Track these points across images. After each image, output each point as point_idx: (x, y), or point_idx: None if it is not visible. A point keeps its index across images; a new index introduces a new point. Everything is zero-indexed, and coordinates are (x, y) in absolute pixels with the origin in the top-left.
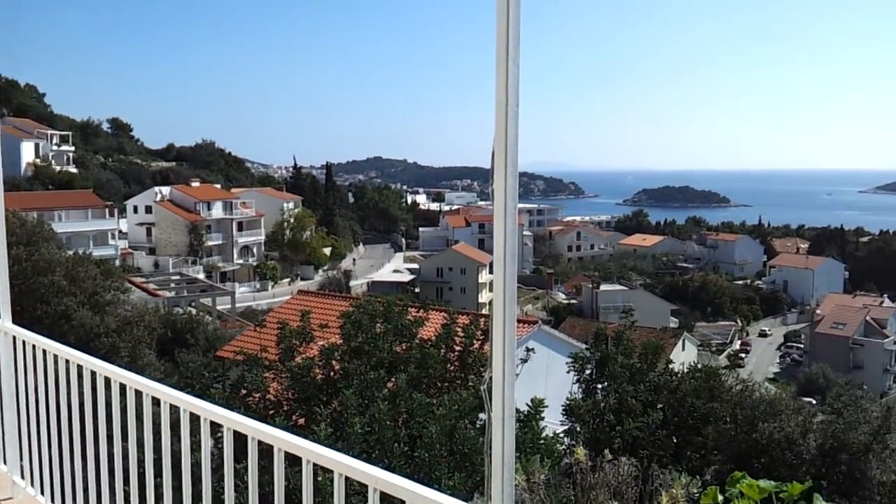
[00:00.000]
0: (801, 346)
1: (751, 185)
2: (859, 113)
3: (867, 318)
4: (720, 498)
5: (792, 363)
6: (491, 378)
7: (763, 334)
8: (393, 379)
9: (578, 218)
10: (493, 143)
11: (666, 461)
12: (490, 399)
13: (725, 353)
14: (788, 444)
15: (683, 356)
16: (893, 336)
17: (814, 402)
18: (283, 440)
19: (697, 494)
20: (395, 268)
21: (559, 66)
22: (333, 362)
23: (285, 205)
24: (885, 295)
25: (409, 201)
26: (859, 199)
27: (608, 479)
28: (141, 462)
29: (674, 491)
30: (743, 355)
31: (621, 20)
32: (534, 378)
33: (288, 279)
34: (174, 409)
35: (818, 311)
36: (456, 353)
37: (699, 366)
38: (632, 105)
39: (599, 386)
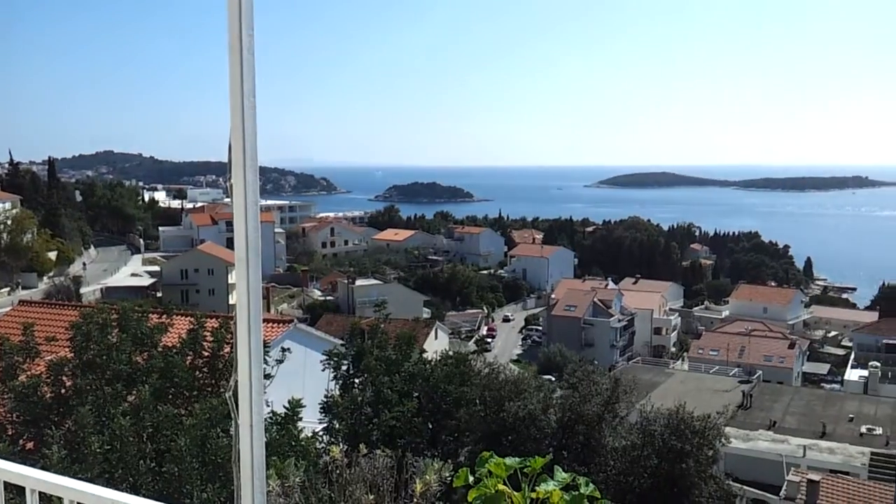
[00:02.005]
0: (540, 328)
1: (491, 181)
2: (583, 114)
3: (595, 299)
4: (471, 479)
5: (533, 344)
6: (237, 383)
7: (507, 319)
8: (134, 392)
9: (332, 214)
10: (230, 134)
11: (423, 447)
12: (237, 405)
13: (474, 338)
14: (532, 419)
15: (436, 345)
16: (617, 315)
17: (553, 379)
18: (2, 469)
19: (450, 478)
20: (132, 271)
21: (308, 62)
22: (64, 378)
23: (0, 205)
24: (609, 278)
25: (147, 199)
26: (584, 192)
27: (364, 473)
28: None
29: (427, 477)
30: (489, 340)
31: (373, 20)
32: (291, 378)
33: (7, 288)
34: None
35: (553, 296)
36: (205, 359)
37: (450, 353)
38: (381, 103)
39: (357, 380)
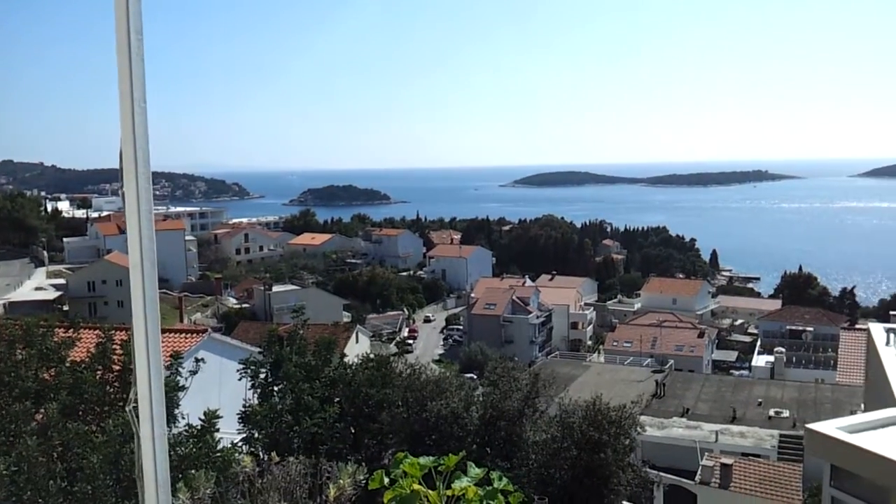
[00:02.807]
0: (461, 327)
1: (408, 183)
2: (497, 115)
3: (513, 297)
4: (386, 480)
5: (454, 344)
6: (137, 397)
7: (427, 320)
8: (42, 409)
9: (245, 220)
10: (121, 141)
11: (346, 452)
12: (138, 419)
13: (396, 340)
14: (455, 418)
15: (358, 348)
16: (535, 311)
17: (475, 377)
18: None
19: (365, 481)
20: (37, 285)
21: (220, 67)
22: None
23: None
24: (527, 276)
25: (50, 209)
26: (500, 192)
27: (278, 481)
28: None
29: (341, 481)
30: (411, 341)
31: (285, 26)
32: (207, 389)
33: None
34: None
35: (473, 295)
36: (115, 373)
37: (371, 356)
38: (295, 107)
39: (276, 388)
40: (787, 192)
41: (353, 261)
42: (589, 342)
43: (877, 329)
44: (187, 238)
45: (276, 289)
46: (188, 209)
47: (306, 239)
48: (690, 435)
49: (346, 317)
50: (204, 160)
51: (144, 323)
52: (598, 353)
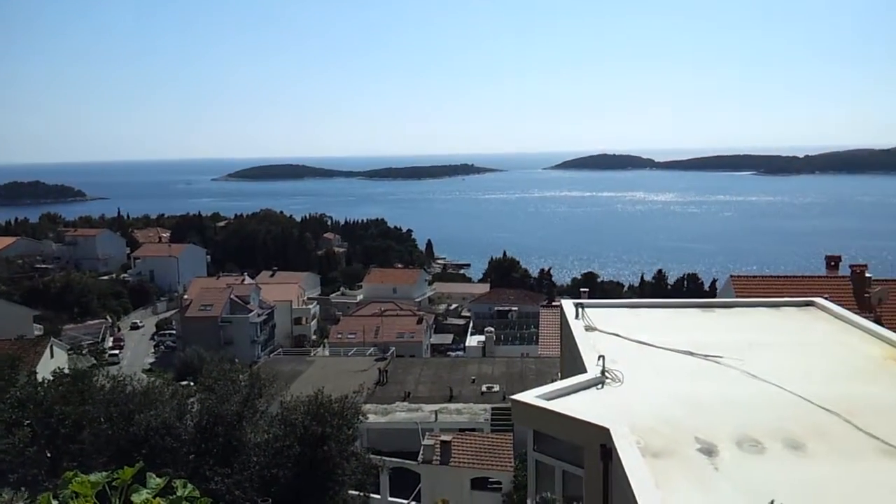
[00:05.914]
0: (174, 332)
1: (106, 178)
2: (208, 104)
3: (232, 296)
4: (55, 503)
5: (167, 350)
6: None
7: (135, 327)
8: None
9: None
10: None
11: (42, 479)
12: None
13: (98, 351)
14: (167, 429)
15: (53, 364)
16: (256, 309)
17: (192, 384)
18: None
19: None
20: None
21: None
22: None
23: None
24: (245, 273)
25: None
26: (214, 186)
27: None
28: None
29: None
30: (117, 351)
31: None
32: None
33: None
34: None
35: (186, 297)
36: None
37: (66, 371)
38: None
39: None
40: (492, 184)
41: (44, 266)
42: (314, 337)
43: (567, 305)
44: None
45: None
46: None
47: None
48: (412, 417)
49: (37, 329)
50: None
51: None
52: (323, 346)
